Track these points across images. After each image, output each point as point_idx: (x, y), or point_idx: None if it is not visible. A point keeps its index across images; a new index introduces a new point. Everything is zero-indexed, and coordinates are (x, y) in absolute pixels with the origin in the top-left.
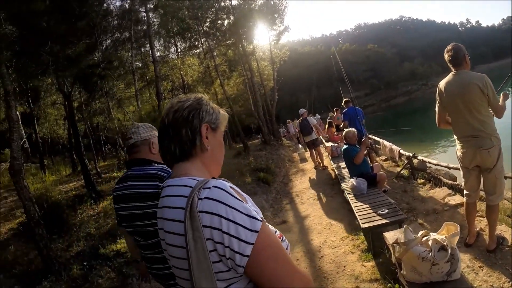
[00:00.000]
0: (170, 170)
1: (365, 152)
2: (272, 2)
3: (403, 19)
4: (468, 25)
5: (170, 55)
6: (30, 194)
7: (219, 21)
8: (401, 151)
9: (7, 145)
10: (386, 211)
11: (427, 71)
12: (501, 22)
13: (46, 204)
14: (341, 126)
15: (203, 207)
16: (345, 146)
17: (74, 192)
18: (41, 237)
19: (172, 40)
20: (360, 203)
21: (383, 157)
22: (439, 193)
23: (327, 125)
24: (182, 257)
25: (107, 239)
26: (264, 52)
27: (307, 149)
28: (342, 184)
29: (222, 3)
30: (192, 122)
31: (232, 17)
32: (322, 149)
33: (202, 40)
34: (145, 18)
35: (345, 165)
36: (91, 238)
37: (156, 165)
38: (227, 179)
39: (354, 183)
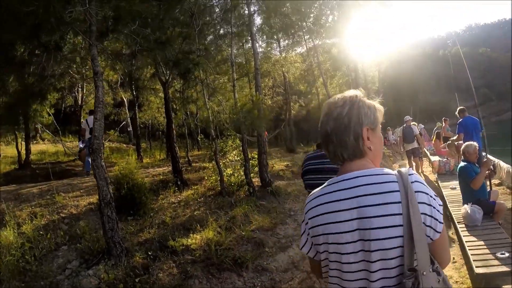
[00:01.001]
0: None
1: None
2: None
3: None
4: None
5: (273, 51)
6: (105, 174)
7: (323, 17)
8: None
9: (113, 126)
10: (507, 254)
11: None
12: None
13: (127, 186)
14: (454, 138)
15: (417, 188)
16: (462, 164)
17: (161, 177)
18: (109, 219)
19: (275, 37)
20: (473, 238)
21: (496, 181)
22: None
23: (434, 136)
24: (393, 236)
25: (179, 231)
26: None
27: (407, 158)
28: (450, 209)
29: None
30: (354, 128)
31: (336, 13)
32: (425, 163)
33: (305, 37)
34: (247, 11)
35: (454, 186)
36: (164, 226)
37: None
38: None
39: (469, 211)
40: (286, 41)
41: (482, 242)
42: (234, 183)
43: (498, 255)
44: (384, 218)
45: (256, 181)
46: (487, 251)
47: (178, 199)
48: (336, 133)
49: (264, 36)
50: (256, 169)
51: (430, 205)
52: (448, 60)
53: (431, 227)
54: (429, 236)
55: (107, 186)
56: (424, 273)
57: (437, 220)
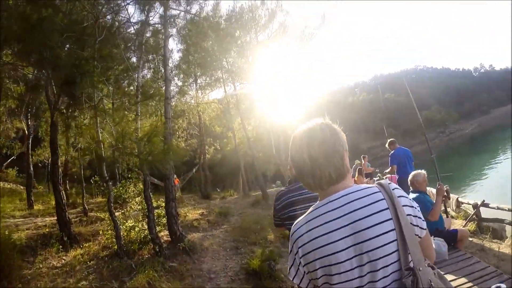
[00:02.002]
0: None
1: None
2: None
3: (418, 68)
4: (482, 70)
5: (190, 92)
6: None
7: (243, 59)
8: (460, 199)
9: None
10: (504, 286)
11: (444, 118)
12: None
13: None
14: (387, 171)
15: (399, 194)
16: (413, 195)
17: (46, 230)
18: None
19: (192, 75)
20: (451, 276)
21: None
22: None
23: (357, 173)
24: (388, 241)
25: None
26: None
27: None
28: None
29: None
30: (338, 151)
31: (251, 57)
32: None
33: (224, 76)
34: (163, 30)
35: None
36: None
37: None
38: None
39: (433, 246)
40: (204, 80)
41: (464, 279)
42: (135, 239)
43: None
44: (379, 226)
45: (164, 235)
46: None
47: (62, 261)
48: (324, 156)
49: (181, 75)
50: (164, 220)
51: (412, 206)
52: (356, 105)
53: (418, 226)
54: (417, 235)
55: None
56: (421, 269)
57: (420, 218)
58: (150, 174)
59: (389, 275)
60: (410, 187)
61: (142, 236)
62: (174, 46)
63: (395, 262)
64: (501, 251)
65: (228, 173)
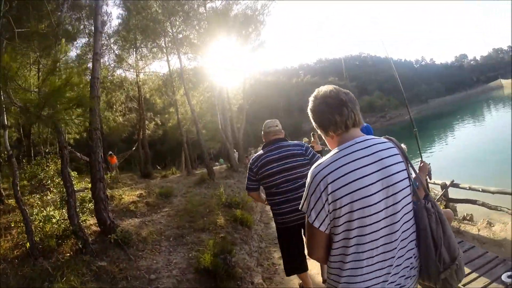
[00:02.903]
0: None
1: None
2: (250, 12)
3: (362, 55)
4: (423, 62)
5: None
6: None
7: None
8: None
9: None
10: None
11: (386, 104)
12: (453, 60)
13: None
14: None
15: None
16: None
17: None
18: None
19: (133, 42)
20: None
21: None
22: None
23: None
24: (404, 177)
25: None
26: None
27: None
28: None
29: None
30: (358, 103)
31: (203, 24)
32: None
33: (168, 45)
34: None
35: None
36: None
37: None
38: None
39: None
40: (146, 47)
41: (466, 269)
42: (52, 233)
43: (505, 279)
44: (397, 165)
45: (92, 224)
46: (484, 279)
47: None
48: (351, 102)
49: (120, 42)
50: (92, 206)
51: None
52: (300, 87)
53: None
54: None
55: None
56: (429, 195)
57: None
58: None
59: (406, 205)
60: None
61: (63, 229)
62: (114, 11)
63: (409, 195)
64: (480, 234)
65: (170, 150)
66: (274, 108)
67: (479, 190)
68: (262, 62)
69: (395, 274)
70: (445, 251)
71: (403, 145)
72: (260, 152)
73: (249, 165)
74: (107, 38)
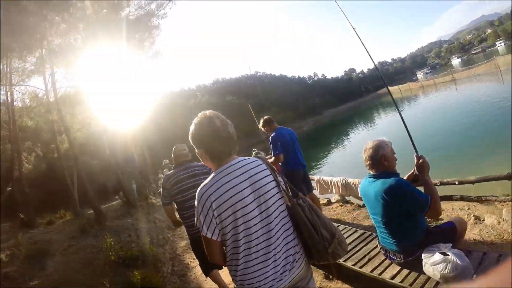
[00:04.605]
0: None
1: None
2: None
3: (258, 74)
4: (315, 78)
5: None
6: None
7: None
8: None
9: None
10: None
11: (283, 118)
12: (343, 74)
13: None
14: (271, 161)
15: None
16: (388, 182)
17: None
18: None
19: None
20: None
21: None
22: None
23: None
24: (273, 186)
25: None
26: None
27: None
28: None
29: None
30: (235, 132)
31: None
32: None
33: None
34: None
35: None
36: None
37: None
38: None
39: (457, 260)
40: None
41: None
42: None
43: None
44: (266, 177)
45: None
46: None
47: None
48: (233, 133)
49: None
50: None
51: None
52: (198, 108)
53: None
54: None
55: None
56: (299, 193)
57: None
58: None
59: (278, 207)
60: (370, 170)
61: None
62: None
63: (280, 199)
64: (471, 236)
65: (59, 189)
66: (172, 130)
67: (455, 184)
68: (158, 83)
69: (280, 263)
70: (324, 231)
71: (386, 140)
72: (172, 171)
73: (162, 184)
74: None
